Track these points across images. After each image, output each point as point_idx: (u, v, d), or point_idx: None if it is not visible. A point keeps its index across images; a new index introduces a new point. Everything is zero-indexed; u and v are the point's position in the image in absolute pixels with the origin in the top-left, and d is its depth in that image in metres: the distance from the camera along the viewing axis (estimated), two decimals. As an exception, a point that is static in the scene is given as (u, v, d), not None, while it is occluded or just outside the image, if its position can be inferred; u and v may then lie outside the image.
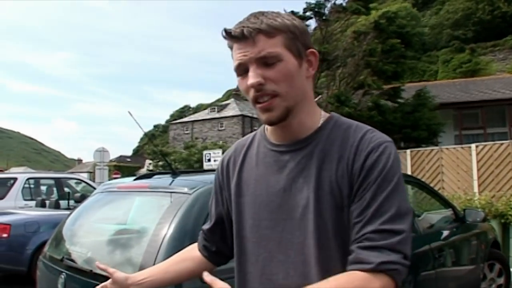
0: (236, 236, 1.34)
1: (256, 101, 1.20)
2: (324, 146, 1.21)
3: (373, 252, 1.07)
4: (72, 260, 2.69)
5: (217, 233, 1.46)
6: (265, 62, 1.16)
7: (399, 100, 15.39)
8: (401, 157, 12.15)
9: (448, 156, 11.74)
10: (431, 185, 11.64)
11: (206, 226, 1.49)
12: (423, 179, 11.90)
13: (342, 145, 1.19)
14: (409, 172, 12.16)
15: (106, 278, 2.26)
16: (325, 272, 1.14)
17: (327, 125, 1.24)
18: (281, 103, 1.18)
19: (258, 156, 1.31)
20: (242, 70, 1.20)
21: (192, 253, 1.50)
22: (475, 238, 4.39)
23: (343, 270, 1.12)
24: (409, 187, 4.43)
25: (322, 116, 1.27)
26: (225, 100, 65.18)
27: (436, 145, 13.03)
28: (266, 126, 1.32)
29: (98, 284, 2.27)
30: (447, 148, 12.03)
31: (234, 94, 55.57)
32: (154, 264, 2.07)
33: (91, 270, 2.43)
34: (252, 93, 1.19)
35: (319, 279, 1.13)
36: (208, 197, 2.34)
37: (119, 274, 1.43)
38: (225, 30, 1.20)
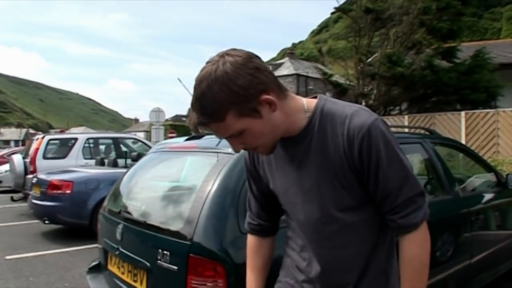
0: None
1: None
2: (317, 138, 1.35)
3: (412, 215, 1.32)
4: (129, 213, 2.94)
5: (268, 207, 1.65)
6: (234, 135, 1.29)
7: (455, 60, 14.73)
8: (455, 119, 11.89)
9: (505, 119, 11.34)
10: (486, 148, 11.38)
11: (255, 210, 1.68)
12: (477, 143, 11.62)
13: (333, 134, 1.33)
14: (463, 135, 11.85)
15: (157, 228, 2.51)
16: (337, 243, 1.39)
17: (314, 117, 1.36)
18: (263, 147, 1.35)
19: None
20: None
21: (258, 247, 1.68)
22: (517, 204, 4.35)
23: (357, 237, 1.37)
24: (450, 151, 4.40)
25: (306, 109, 1.38)
26: (280, 59, 64.49)
27: (494, 109, 12.49)
28: None
29: (150, 233, 2.52)
30: (503, 111, 11.58)
31: (289, 53, 54.88)
32: (199, 217, 2.28)
33: (144, 221, 2.69)
34: None
35: (333, 250, 1.40)
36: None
37: None
38: None
